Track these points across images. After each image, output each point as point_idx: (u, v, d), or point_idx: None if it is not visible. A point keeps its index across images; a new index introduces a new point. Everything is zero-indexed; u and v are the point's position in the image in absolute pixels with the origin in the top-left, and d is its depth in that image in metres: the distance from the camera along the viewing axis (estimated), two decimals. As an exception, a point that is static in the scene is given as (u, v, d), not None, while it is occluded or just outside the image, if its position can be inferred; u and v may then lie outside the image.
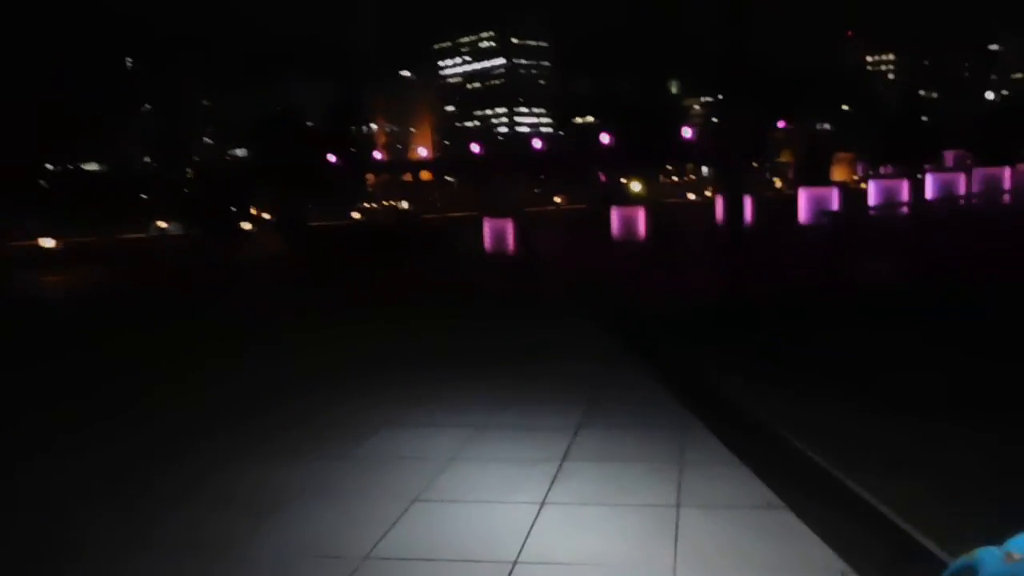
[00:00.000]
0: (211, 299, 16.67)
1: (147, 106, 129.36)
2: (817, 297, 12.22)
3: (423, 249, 23.35)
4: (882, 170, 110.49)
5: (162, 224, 49.70)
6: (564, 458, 6.40)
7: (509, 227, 20.20)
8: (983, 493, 5.34)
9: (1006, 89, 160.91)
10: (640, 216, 21.55)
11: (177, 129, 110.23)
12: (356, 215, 67.37)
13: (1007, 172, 33.53)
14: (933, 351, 9.01)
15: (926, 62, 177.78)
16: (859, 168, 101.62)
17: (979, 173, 31.98)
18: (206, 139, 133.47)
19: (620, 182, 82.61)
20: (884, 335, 9.92)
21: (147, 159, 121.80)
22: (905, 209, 28.79)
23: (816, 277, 13.86)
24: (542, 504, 5.54)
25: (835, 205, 26.12)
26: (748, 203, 24.66)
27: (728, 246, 12.22)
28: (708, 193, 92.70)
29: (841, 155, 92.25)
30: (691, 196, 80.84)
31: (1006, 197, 32.40)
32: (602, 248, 20.86)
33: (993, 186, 32.83)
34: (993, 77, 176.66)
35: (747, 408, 7.33)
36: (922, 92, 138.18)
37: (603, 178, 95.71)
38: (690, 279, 14.15)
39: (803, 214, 26.27)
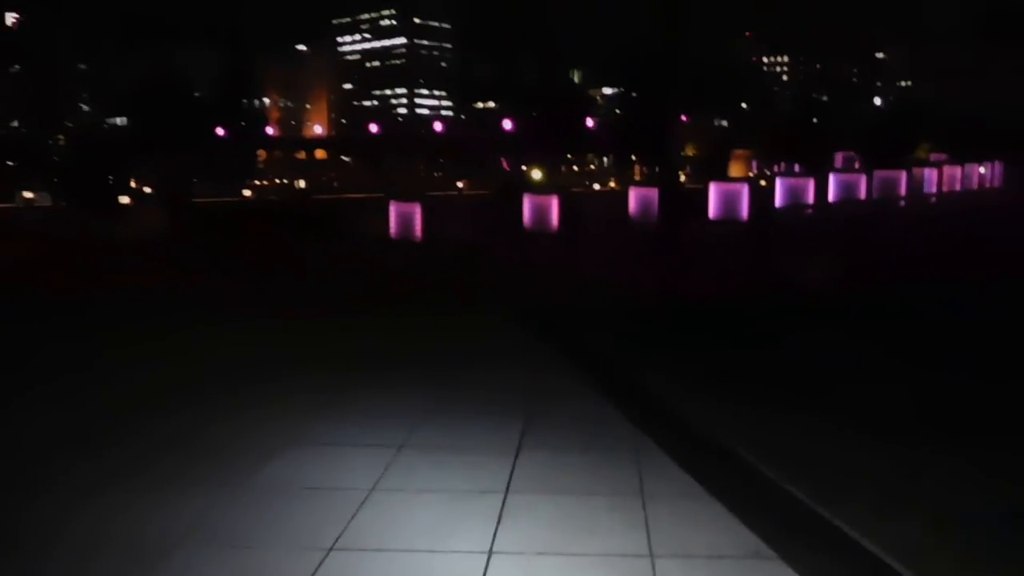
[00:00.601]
0: (72, 283, 14.73)
1: (16, 67, 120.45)
2: (752, 296, 11.68)
3: (320, 232, 21.78)
4: (775, 168, 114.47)
5: (28, 194, 45.75)
6: (508, 489, 5.42)
7: (417, 212, 19.00)
8: (988, 538, 4.69)
9: (891, 95, 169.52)
10: (553, 205, 20.73)
11: (50, 93, 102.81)
12: (247, 192, 64.19)
13: (903, 176, 34.65)
14: (885, 360, 8.52)
15: (818, 66, 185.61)
16: (754, 165, 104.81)
17: (878, 176, 32.80)
18: (83, 106, 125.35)
19: (522, 169, 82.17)
20: (827, 336, 9.40)
21: (15, 124, 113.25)
22: (809, 210, 29.28)
23: (747, 275, 13.38)
24: (489, 554, 4.55)
25: (745, 201, 26.11)
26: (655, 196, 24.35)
27: (661, 240, 11.53)
28: (613, 183, 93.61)
29: (738, 152, 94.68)
30: (597, 186, 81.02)
31: (901, 201, 33.53)
32: (515, 238, 19.93)
33: (891, 189, 33.90)
34: (879, 84, 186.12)
35: (701, 425, 6.54)
36: (814, 95, 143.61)
37: (506, 165, 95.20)
38: (615, 273, 13.39)
39: (715, 209, 26.10)
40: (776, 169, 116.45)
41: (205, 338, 9.94)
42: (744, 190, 26.56)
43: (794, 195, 29.12)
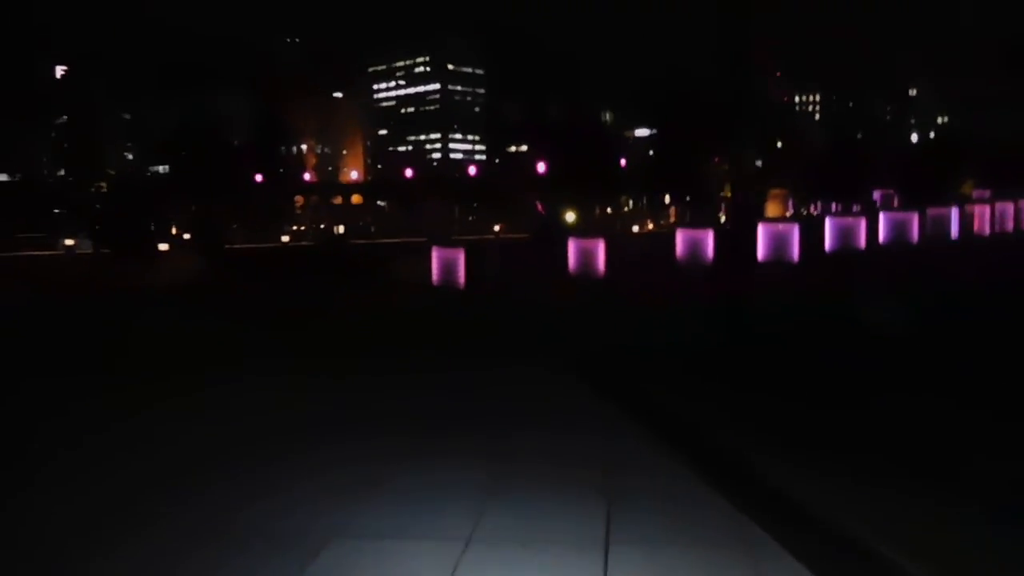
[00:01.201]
0: (93, 333, 14.11)
1: (63, 117, 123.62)
2: (824, 344, 10.67)
3: (360, 278, 21.12)
4: (812, 207, 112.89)
5: (69, 241, 45.92)
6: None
7: (460, 257, 18.26)
8: None
9: (924, 131, 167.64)
10: (599, 248, 19.89)
11: (93, 141, 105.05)
12: (285, 238, 64.31)
13: (955, 212, 33.37)
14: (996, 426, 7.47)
15: (850, 103, 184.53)
16: (790, 204, 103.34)
17: (932, 213, 31.57)
18: (127, 155, 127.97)
19: (558, 212, 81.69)
20: (925, 397, 8.35)
21: (61, 172, 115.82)
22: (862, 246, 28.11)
23: (812, 318, 12.39)
24: None
25: (796, 242, 25.10)
26: (711, 237, 23.40)
27: (727, 282, 10.66)
28: (651, 225, 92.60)
29: (774, 191, 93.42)
30: (636, 228, 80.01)
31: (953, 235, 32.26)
32: (562, 283, 19.10)
33: (942, 225, 32.60)
34: (912, 120, 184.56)
35: (818, 510, 5.55)
36: (847, 133, 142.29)
37: (540, 208, 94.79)
38: (672, 318, 12.47)
39: (763, 250, 25.07)
40: (812, 208, 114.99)
41: (233, 396, 9.17)
42: (795, 231, 25.54)
43: (844, 236, 28.03)
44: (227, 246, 39.42)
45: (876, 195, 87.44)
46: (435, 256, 19.03)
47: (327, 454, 7.04)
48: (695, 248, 22.78)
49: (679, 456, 6.87)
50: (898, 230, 30.16)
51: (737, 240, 10.77)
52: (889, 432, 7.34)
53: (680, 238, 23.01)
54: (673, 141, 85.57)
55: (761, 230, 25.72)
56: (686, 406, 8.39)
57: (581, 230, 36.83)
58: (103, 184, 58.10)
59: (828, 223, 27.97)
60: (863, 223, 27.62)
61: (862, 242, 27.63)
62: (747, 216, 11.19)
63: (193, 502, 6.04)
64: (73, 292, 21.40)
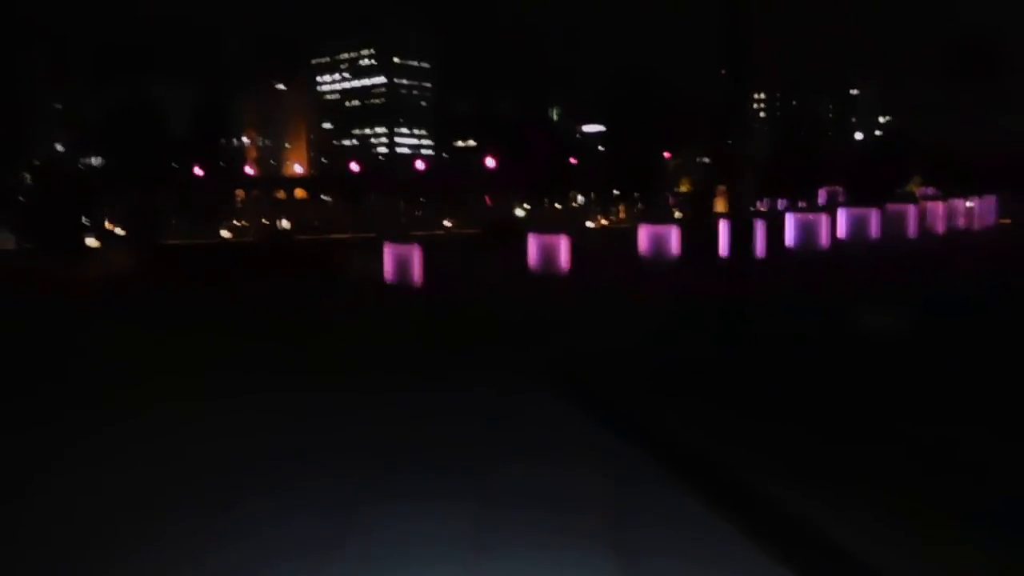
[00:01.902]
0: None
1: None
2: (849, 349, 9.74)
3: (308, 277, 19.66)
4: (759, 204, 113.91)
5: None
6: None
7: (415, 254, 16.96)
8: None
9: (865, 131, 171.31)
10: (562, 244, 18.80)
11: (20, 131, 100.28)
12: (225, 233, 61.82)
13: (912, 209, 33.20)
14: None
15: (794, 102, 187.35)
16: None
17: (890, 210, 31.31)
18: (58, 145, 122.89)
19: (510, 207, 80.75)
20: (958, 427, 7.41)
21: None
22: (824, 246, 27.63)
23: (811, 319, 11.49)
24: None
25: (825, 232, 24.68)
26: (675, 233, 22.52)
27: (733, 279, 9.67)
28: (605, 221, 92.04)
29: (722, 188, 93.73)
30: (591, 223, 79.27)
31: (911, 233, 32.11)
32: (524, 281, 17.95)
33: (901, 222, 32.40)
34: (854, 119, 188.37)
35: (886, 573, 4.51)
36: (791, 131, 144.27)
37: (489, 202, 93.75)
38: (648, 319, 11.44)
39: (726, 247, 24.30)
40: (760, 205, 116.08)
41: (169, 429, 7.79)
42: (758, 228, 24.83)
43: (806, 232, 27.49)
44: (162, 242, 37.38)
45: (822, 192, 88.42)
46: (388, 253, 17.70)
47: (289, 499, 5.77)
48: (659, 244, 21.88)
49: (690, 491, 5.78)
50: (858, 227, 29.80)
51: (738, 237, 9.76)
52: (918, 468, 6.35)
53: (643, 234, 22.07)
54: (625, 137, 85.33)
55: (724, 227, 24.97)
56: (682, 418, 7.34)
57: (538, 226, 35.82)
58: (27, 175, 54.72)
59: (789, 219, 27.36)
60: (825, 219, 27.09)
61: (824, 239, 27.12)
62: (743, 212, 10.20)
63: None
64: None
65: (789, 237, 27.04)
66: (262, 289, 17.54)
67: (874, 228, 30.15)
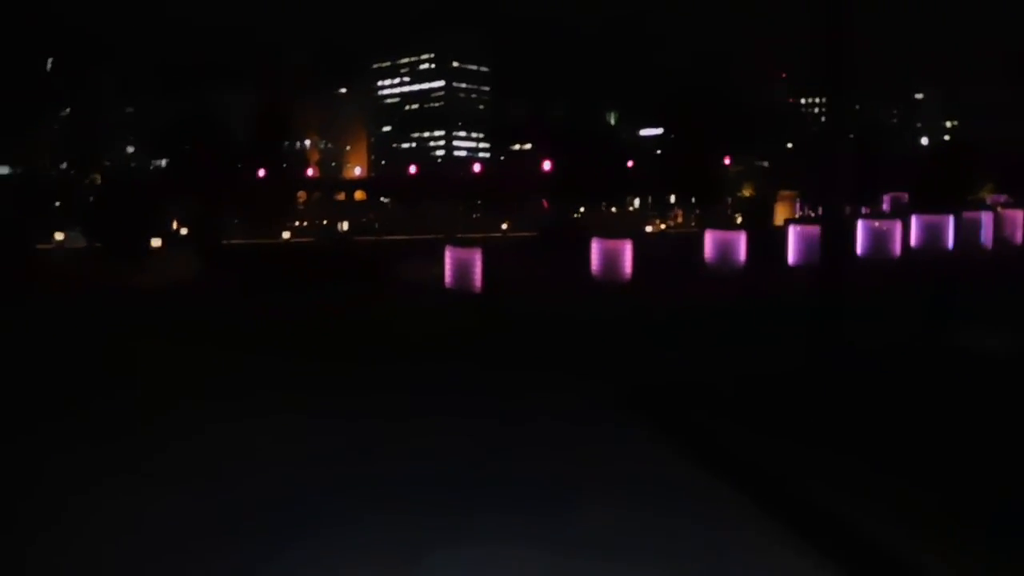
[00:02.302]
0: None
1: (67, 111, 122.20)
2: (959, 371, 9.12)
3: (367, 281, 19.53)
4: (819, 209, 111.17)
5: (59, 235, 44.05)
6: None
7: (476, 258, 16.70)
8: None
9: (931, 136, 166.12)
10: (626, 250, 18.36)
11: (95, 134, 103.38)
12: (286, 234, 62.52)
13: (987, 217, 31.89)
14: None
15: (857, 106, 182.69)
16: (797, 206, 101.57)
17: (967, 217, 30.09)
18: (129, 148, 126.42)
19: (568, 211, 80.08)
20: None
21: (63, 166, 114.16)
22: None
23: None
24: None
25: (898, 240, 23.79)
26: (742, 239, 21.87)
27: (826, 288, 9.18)
28: (663, 225, 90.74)
29: (783, 193, 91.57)
30: (649, 228, 78.06)
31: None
32: (588, 287, 17.53)
33: (975, 230, 31.10)
34: (919, 124, 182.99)
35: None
36: (852, 135, 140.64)
37: (546, 205, 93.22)
38: (728, 334, 10.92)
39: (795, 255, 23.53)
40: (820, 211, 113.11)
41: (216, 440, 7.61)
42: (896, 227, 23.98)
43: (877, 240, 26.49)
44: (225, 242, 37.88)
45: (886, 199, 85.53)
46: (449, 257, 17.49)
47: (343, 535, 5.48)
48: (726, 251, 21.27)
49: (809, 548, 5.24)
50: (932, 234, 28.66)
51: (832, 244, 9.27)
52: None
53: (709, 240, 21.48)
54: (684, 141, 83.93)
55: (792, 233, 24.24)
56: (786, 453, 6.82)
57: (600, 230, 35.33)
58: (97, 176, 55.97)
59: (860, 226, 26.43)
60: (898, 227, 26.09)
61: (896, 247, 26.13)
62: (838, 219, 9.70)
63: None
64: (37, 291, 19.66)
65: (860, 245, 26.12)
66: (324, 296, 17.42)
67: (949, 236, 28.97)
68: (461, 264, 17.03)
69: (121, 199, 36.23)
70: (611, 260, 18.48)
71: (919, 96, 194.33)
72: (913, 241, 28.56)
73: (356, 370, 10.38)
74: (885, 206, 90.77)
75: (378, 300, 16.51)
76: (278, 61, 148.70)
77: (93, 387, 9.89)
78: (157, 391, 9.65)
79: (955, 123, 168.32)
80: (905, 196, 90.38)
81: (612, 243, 18.63)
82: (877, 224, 26.28)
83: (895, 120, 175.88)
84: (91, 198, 45.54)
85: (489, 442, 7.57)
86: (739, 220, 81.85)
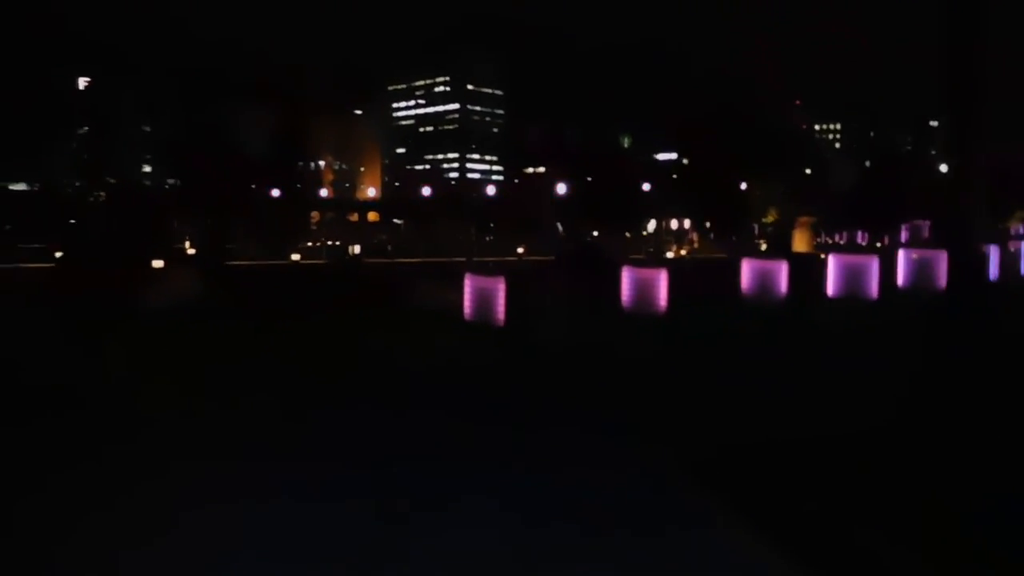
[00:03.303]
0: None
1: (84, 128, 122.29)
2: None
3: (377, 309, 18.12)
4: (837, 236, 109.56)
5: (59, 254, 42.85)
6: None
7: (499, 288, 15.25)
8: None
9: (945, 164, 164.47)
10: (661, 280, 16.89)
11: (110, 151, 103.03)
12: (295, 256, 61.24)
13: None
14: None
15: (872, 133, 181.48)
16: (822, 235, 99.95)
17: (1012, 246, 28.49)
18: (145, 167, 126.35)
19: (593, 234, 78.72)
20: None
21: (77, 184, 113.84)
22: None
23: None
24: None
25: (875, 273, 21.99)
26: (785, 268, 20.34)
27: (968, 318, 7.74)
28: (683, 251, 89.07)
29: (802, 219, 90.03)
30: (671, 253, 76.32)
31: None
32: (622, 323, 16.04)
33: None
34: (933, 152, 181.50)
35: None
36: (867, 163, 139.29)
37: (562, 230, 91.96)
38: (799, 382, 9.42)
39: (835, 285, 21.97)
40: (838, 238, 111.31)
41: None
42: (873, 264, 22.46)
43: (920, 271, 24.88)
44: (232, 262, 36.61)
45: (905, 228, 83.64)
46: (469, 285, 16.05)
47: None
48: (765, 280, 19.77)
49: None
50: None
51: (968, 274, 7.87)
52: None
53: (747, 269, 19.97)
54: (702, 164, 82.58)
55: (832, 261, 22.71)
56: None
57: (620, 255, 33.96)
58: (101, 193, 54.74)
59: (902, 256, 24.84)
60: (943, 257, 24.45)
61: (942, 279, 24.50)
62: (974, 245, 8.29)
63: None
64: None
65: (902, 276, 24.53)
66: (329, 326, 16.01)
67: (994, 267, 27.36)
68: (482, 294, 15.58)
69: (125, 217, 35.10)
70: (644, 290, 17.01)
71: (934, 124, 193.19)
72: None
73: (351, 422, 8.82)
74: (903, 235, 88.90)
75: (389, 332, 15.02)
76: (295, 81, 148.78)
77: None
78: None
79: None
80: (926, 224, 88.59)
81: (645, 272, 17.17)
82: (919, 254, 24.68)
83: (910, 147, 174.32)
84: (88, 215, 44.66)
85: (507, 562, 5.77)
86: (763, 246, 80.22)
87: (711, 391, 9.83)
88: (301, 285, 26.24)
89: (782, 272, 19.22)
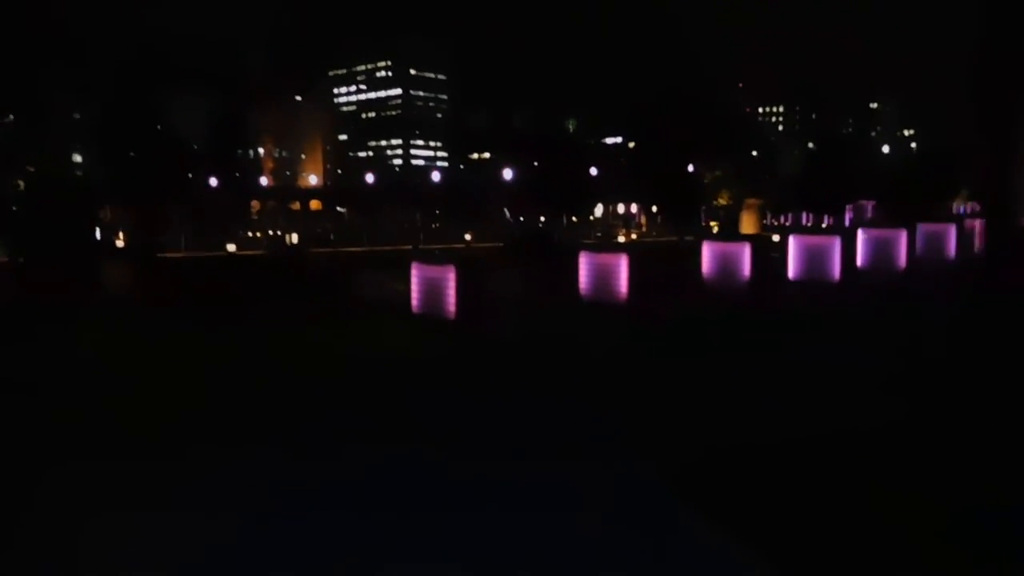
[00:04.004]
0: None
1: (9, 117, 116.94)
2: None
3: (322, 303, 16.74)
4: (782, 218, 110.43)
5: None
6: None
7: (450, 277, 14.00)
8: None
9: (891, 144, 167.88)
10: (622, 265, 15.82)
11: (42, 142, 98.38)
12: (231, 247, 58.80)
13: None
14: None
15: (813, 116, 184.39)
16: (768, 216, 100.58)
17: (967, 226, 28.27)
18: (76, 156, 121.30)
19: (540, 220, 77.62)
20: None
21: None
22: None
23: None
24: None
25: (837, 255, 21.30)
26: (748, 251, 19.50)
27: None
28: (634, 235, 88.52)
29: (749, 201, 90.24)
30: (622, 238, 75.57)
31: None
32: (583, 312, 14.96)
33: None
34: (873, 133, 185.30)
35: None
36: (810, 144, 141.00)
37: (509, 215, 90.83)
38: (789, 376, 8.45)
39: (796, 268, 21.26)
40: (783, 220, 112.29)
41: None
42: (835, 244, 21.75)
43: (880, 250, 24.36)
44: (165, 254, 34.65)
45: (848, 209, 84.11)
46: (416, 275, 14.76)
47: None
48: (727, 265, 18.89)
49: None
50: (934, 244, 26.69)
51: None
52: None
53: (708, 252, 19.07)
54: (651, 147, 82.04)
55: (793, 243, 21.99)
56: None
57: (569, 240, 32.98)
58: (20, 183, 51.68)
59: (861, 236, 24.25)
60: (903, 236, 23.95)
61: (901, 258, 24.01)
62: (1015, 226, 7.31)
63: None
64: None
65: (861, 256, 23.97)
66: (262, 322, 14.60)
67: (951, 246, 27.08)
68: (431, 284, 14.33)
69: (44, 207, 32.83)
70: (604, 277, 15.94)
71: (874, 106, 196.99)
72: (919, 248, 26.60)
73: (276, 458, 7.46)
74: (848, 215, 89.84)
75: (328, 329, 13.67)
76: (232, 66, 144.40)
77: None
78: None
79: (911, 131, 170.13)
80: (869, 204, 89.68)
81: (604, 257, 16.08)
82: (879, 233, 24.12)
83: (850, 128, 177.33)
84: (13, 207, 41.89)
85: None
86: (715, 228, 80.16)
87: (689, 388, 8.80)
88: (242, 278, 24.60)
89: (745, 255, 18.35)
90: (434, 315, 14.04)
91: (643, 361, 10.46)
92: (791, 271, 21.58)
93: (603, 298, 15.67)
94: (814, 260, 21.23)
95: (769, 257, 20.75)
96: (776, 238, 34.65)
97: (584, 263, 16.30)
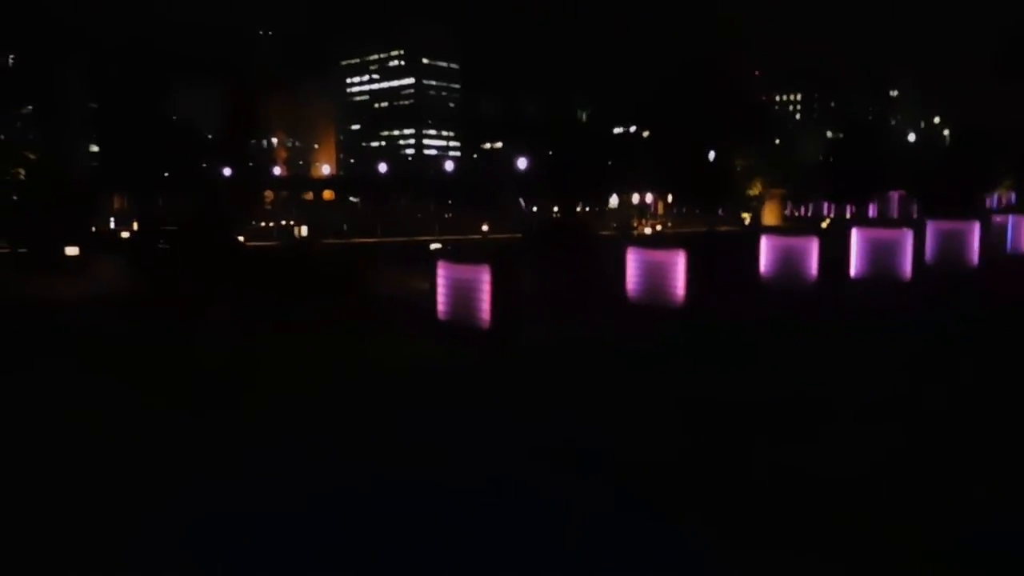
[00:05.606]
0: None
1: (28, 107, 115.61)
2: None
3: (335, 306, 14.63)
4: (803, 209, 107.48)
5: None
6: None
7: (484, 279, 11.85)
8: None
9: (912, 133, 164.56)
10: (679, 265, 13.67)
11: (56, 131, 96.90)
12: (240, 238, 56.68)
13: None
14: None
15: (832, 104, 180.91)
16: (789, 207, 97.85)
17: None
18: (93, 147, 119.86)
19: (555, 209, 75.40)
20: None
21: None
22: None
23: None
24: None
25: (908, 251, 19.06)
26: (815, 246, 17.33)
27: None
28: (659, 225, 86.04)
29: (774, 191, 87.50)
30: (648, 230, 73.08)
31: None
32: (639, 320, 12.82)
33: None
34: (893, 122, 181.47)
35: None
36: (829, 133, 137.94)
37: (524, 205, 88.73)
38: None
39: (859, 266, 19.04)
40: (803, 210, 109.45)
41: None
42: (908, 238, 19.51)
43: (948, 246, 22.09)
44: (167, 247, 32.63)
45: (888, 200, 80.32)
46: (443, 276, 12.61)
47: None
48: (790, 261, 16.71)
49: None
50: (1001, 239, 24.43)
51: None
52: None
53: (767, 247, 16.88)
54: (675, 132, 79.21)
55: (856, 237, 19.76)
56: None
57: (593, 231, 30.82)
58: (20, 172, 49.52)
59: (930, 229, 21.98)
60: (975, 228, 21.68)
61: (974, 254, 21.73)
62: None
63: None
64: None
65: (929, 252, 21.73)
66: (263, 329, 12.59)
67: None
68: (461, 288, 12.18)
69: (43, 198, 30.95)
70: (655, 278, 13.80)
71: (894, 93, 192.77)
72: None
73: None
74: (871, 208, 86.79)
75: (341, 340, 11.60)
76: (246, 56, 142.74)
77: None
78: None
79: (936, 120, 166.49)
80: (896, 195, 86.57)
81: (656, 255, 13.92)
82: (950, 226, 21.85)
83: (871, 118, 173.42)
84: (13, 197, 40.04)
85: None
86: (747, 220, 77.60)
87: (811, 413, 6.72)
88: (242, 272, 22.53)
89: (812, 250, 16.14)
90: (464, 324, 11.87)
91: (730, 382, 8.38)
92: (854, 268, 19.38)
93: (656, 302, 13.55)
94: (881, 256, 19.00)
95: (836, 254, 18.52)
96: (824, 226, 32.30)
97: (633, 261, 14.15)
